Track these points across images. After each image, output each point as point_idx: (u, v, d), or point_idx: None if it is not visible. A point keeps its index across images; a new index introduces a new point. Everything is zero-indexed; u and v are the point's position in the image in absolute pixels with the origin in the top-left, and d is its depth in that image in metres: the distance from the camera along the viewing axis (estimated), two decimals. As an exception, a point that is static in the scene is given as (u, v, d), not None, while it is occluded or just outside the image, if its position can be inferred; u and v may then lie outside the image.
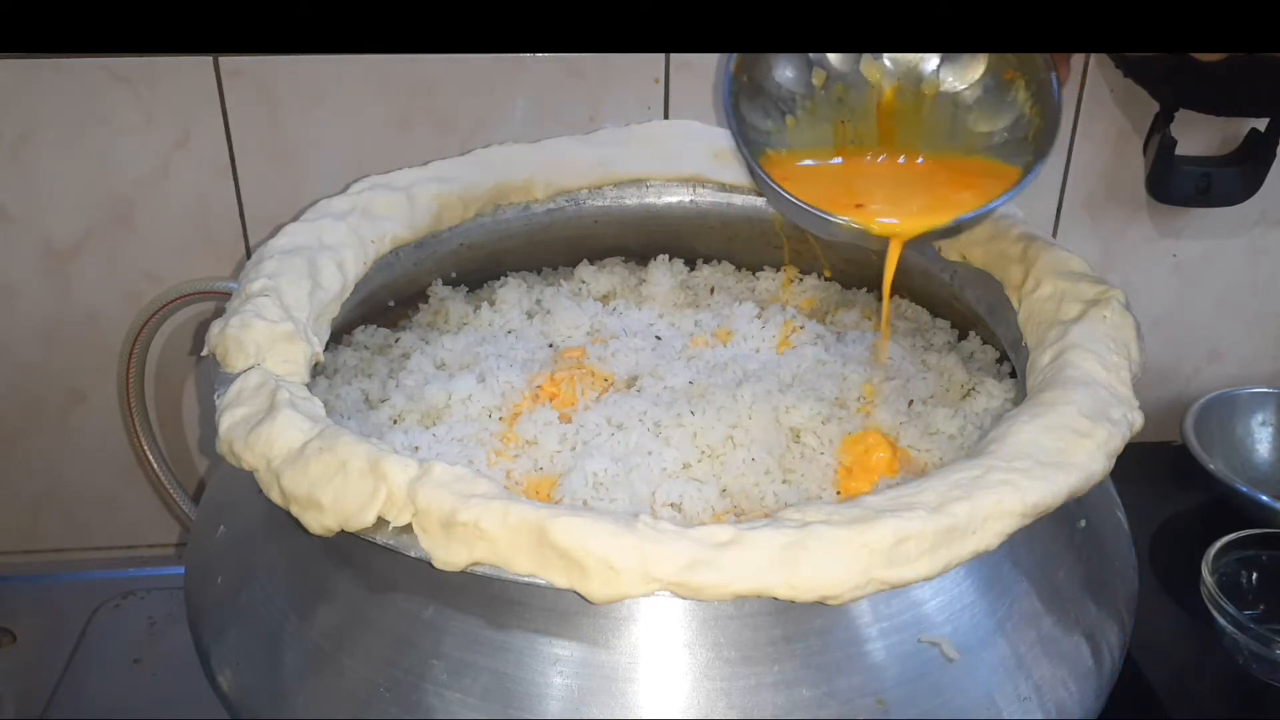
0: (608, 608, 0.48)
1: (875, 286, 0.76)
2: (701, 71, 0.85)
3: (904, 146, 0.63)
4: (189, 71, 0.81)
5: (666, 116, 0.86)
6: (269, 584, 0.55)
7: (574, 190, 0.75)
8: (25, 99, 0.81)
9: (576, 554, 0.44)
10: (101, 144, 0.83)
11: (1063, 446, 0.51)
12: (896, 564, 0.46)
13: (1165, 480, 0.91)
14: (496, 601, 0.49)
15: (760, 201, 0.76)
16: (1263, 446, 0.94)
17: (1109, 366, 0.56)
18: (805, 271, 0.78)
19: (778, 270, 0.79)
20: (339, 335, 0.70)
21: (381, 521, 0.48)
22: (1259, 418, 0.94)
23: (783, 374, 0.66)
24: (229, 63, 0.82)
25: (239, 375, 0.56)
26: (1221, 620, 0.74)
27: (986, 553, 0.48)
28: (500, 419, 0.64)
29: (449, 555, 0.46)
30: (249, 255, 0.87)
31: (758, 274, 0.79)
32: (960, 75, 0.63)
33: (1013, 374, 0.66)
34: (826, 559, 0.45)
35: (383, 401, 0.66)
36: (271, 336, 0.58)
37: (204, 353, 0.59)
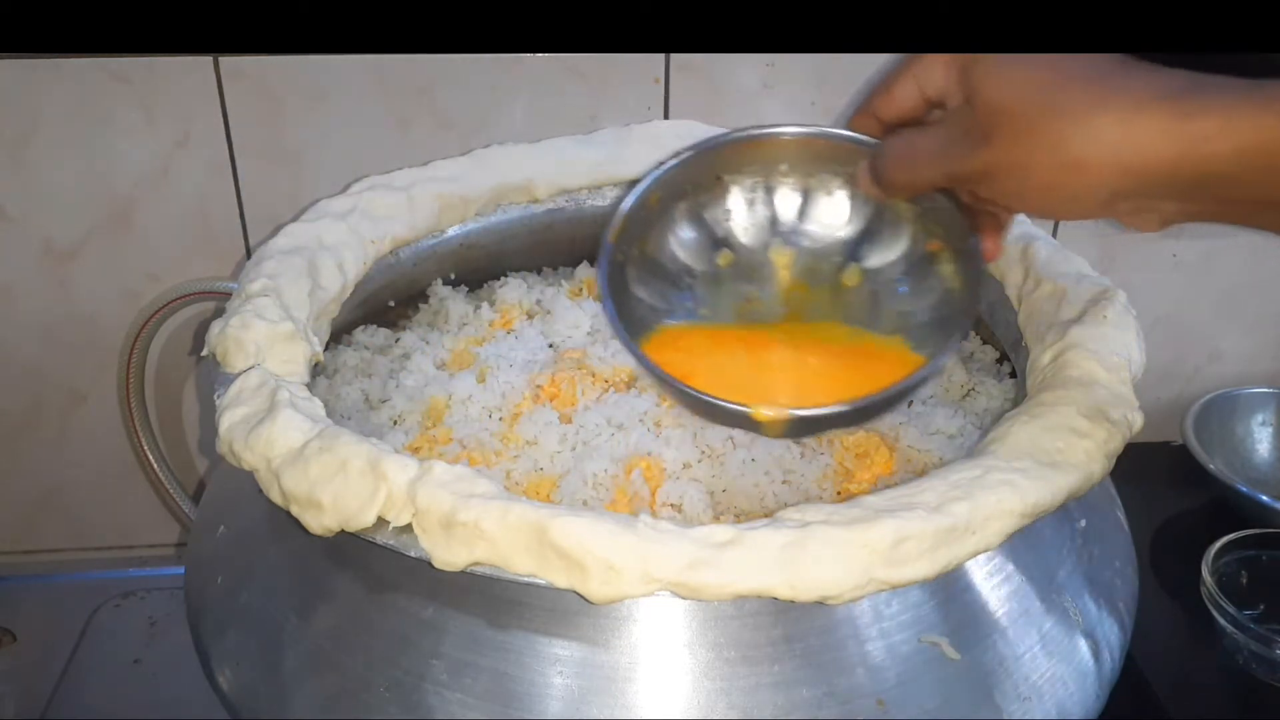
0: (608, 608, 0.48)
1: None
2: (702, 71, 0.85)
3: (813, 328, 0.58)
4: (189, 71, 0.81)
5: (666, 116, 0.86)
6: (269, 584, 0.55)
7: (574, 190, 0.75)
8: (25, 99, 0.81)
9: (576, 554, 0.44)
10: (101, 144, 0.83)
11: (1062, 447, 0.51)
12: (896, 564, 0.46)
13: (1165, 480, 0.91)
14: (496, 601, 0.49)
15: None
16: (1263, 446, 0.94)
17: (1109, 366, 0.56)
18: (805, 271, 0.78)
19: (778, 270, 0.79)
20: (339, 335, 0.70)
21: (381, 521, 0.48)
22: (1259, 418, 0.94)
23: (783, 374, 0.66)
24: (229, 63, 0.82)
25: (239, 375, 0.56)
26: (1221, 620, 0.74)
27: (986, 552, 0.48)
28: (500, 419, 0.64)
29: (449, 555, 0.46)
30: (249, 255, 0.87)
31: (758, 274, 0.79)
32: (881, 253, 0.57)
33: (1013, 374, 0.66)
34: (826, 559, 0.45)
35: (383, 402, 0.66)
36: (271, 336, 0.58)
37: (204, 353, 0.59)
